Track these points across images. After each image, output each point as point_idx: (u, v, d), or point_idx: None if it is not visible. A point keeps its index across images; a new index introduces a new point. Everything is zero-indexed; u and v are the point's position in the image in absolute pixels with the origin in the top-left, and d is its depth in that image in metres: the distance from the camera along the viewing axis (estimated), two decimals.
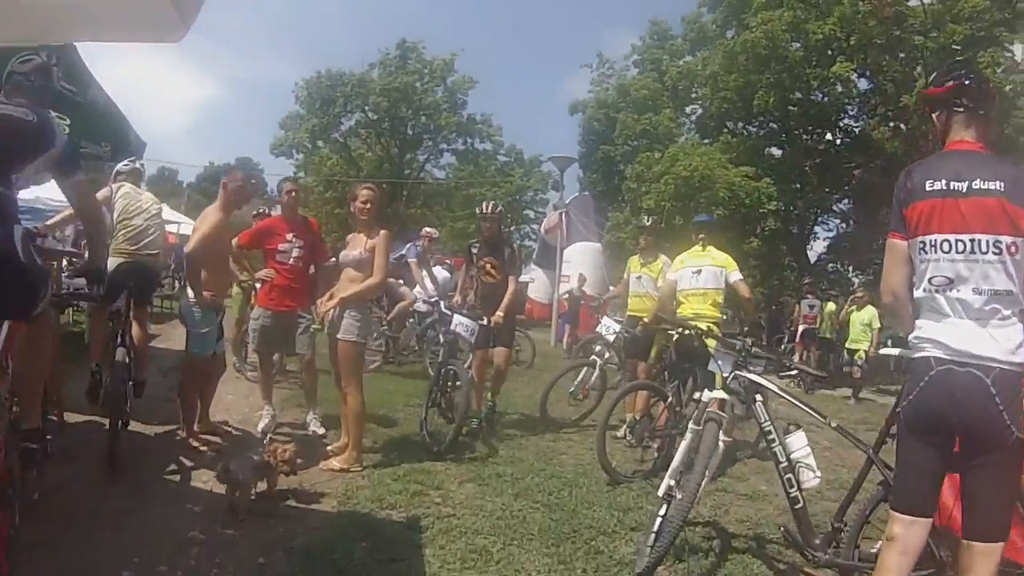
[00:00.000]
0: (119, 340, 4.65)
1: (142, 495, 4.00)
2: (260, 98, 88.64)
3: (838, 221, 27.17)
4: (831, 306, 14.70)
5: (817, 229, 26.72)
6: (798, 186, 22.70)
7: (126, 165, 5.72)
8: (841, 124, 23.43)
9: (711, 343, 5.25)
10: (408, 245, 9.61)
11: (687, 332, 5.36)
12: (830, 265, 27.07)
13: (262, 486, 4.01)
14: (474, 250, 6.52)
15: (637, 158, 19.60)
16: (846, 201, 25.99)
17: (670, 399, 5.30)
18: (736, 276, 5.91)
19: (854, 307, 12.83)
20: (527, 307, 21.03)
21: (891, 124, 22.42)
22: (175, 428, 5.24)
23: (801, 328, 14.46)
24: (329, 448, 5.16)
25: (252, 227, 6.22)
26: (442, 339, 6.38)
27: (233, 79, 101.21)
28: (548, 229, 24.51)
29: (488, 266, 6.33)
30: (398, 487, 4.40)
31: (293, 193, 5.72)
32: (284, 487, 4.19)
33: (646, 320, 6.36)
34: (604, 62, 28.08)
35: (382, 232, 4.86)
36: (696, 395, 5.44)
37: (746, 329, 13.84)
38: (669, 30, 26.82)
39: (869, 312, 12.21)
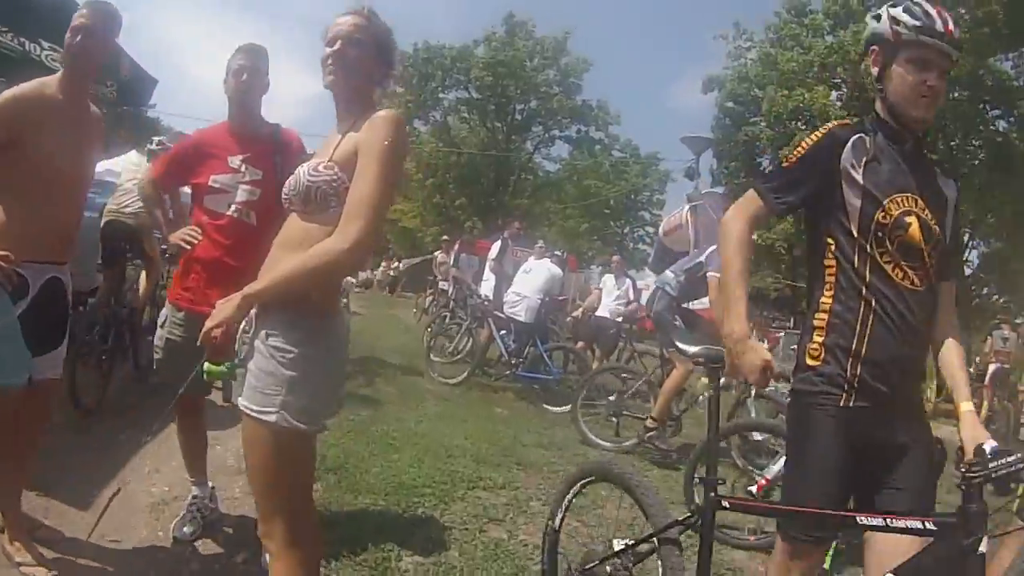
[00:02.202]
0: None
1: None
2: None
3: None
4: None
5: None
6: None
7: (157, 147, 5.35)
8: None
9: None
10: None
11: None
12: (972, 287, 21.95)
13: None
14: (873, 179, 1.84)
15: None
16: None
17: None
18: None
19: None
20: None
21: None
22: None
23: (992, 368, 10.55)
24: None
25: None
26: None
27: None
28: (668, 231, 21.18)
29: (916, 236, 1.82)
30: None
31: (244, 76, 2.74)
32: None
33: None
34: (742, 32, 24.12)
35: (380, 116, 1.78)
36: None
37: None
38: (807, 4, 22.96)
39: None
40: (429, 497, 3.75)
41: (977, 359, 12.22)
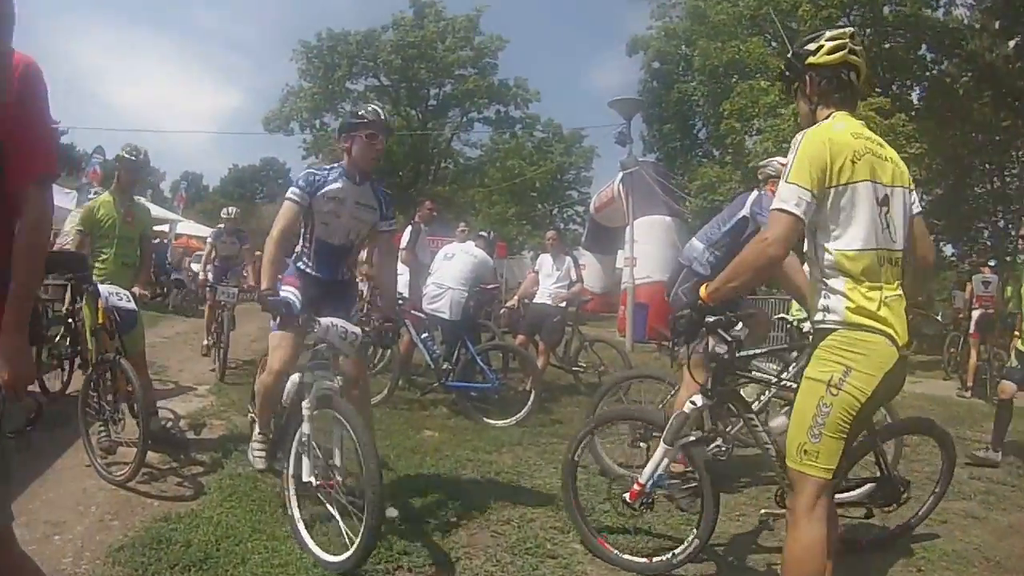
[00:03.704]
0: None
1: None
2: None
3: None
4: None
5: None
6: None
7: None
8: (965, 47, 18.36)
9: None
10: None
11: None
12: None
13: None
14: None
15: (735, 91, 14.95)
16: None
17: None
18: None
19: None
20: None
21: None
22: None
23: (976, 314, 9.95)
24: None
25: None
26: None
27: (255, 88, 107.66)
28: (600, 207, 20.38)
29: None
30: None
31: None
32: None
33: None
34: None
35: None
36: None
37: None
38: None
39: None
40: None
41: (957, 306, 11.68)
